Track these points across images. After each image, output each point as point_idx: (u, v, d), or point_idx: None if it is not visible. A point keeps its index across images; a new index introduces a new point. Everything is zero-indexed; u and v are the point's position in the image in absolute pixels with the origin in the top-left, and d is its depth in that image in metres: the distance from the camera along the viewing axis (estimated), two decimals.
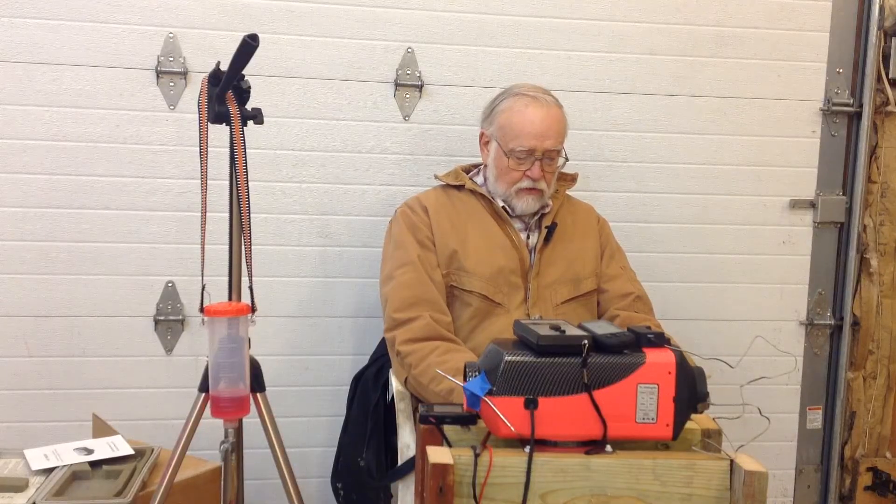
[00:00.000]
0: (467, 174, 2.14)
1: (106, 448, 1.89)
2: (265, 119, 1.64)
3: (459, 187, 2.10)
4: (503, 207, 2.05)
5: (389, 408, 2.00)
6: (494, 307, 1.98)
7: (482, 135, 2.10)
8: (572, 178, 2.19)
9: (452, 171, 2.16)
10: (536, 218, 2.09)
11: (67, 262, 2.29)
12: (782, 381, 2.54)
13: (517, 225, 2.07)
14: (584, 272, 2.07)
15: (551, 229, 2.06)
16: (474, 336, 1.97)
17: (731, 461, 1.34)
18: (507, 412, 1.31)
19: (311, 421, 2.45)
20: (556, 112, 2.02)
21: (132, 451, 1.88)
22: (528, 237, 2.07)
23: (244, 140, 1.60)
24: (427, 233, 2.02)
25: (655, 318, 2.09)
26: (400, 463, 1.87)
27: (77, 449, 1.89)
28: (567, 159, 2.08)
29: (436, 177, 2.16)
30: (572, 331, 1.38)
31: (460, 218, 2.05)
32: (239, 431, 1.66)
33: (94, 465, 1.91)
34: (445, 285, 2.00)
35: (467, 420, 1.41)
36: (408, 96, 2.39)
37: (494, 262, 2.00)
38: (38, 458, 1.86)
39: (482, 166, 2.14)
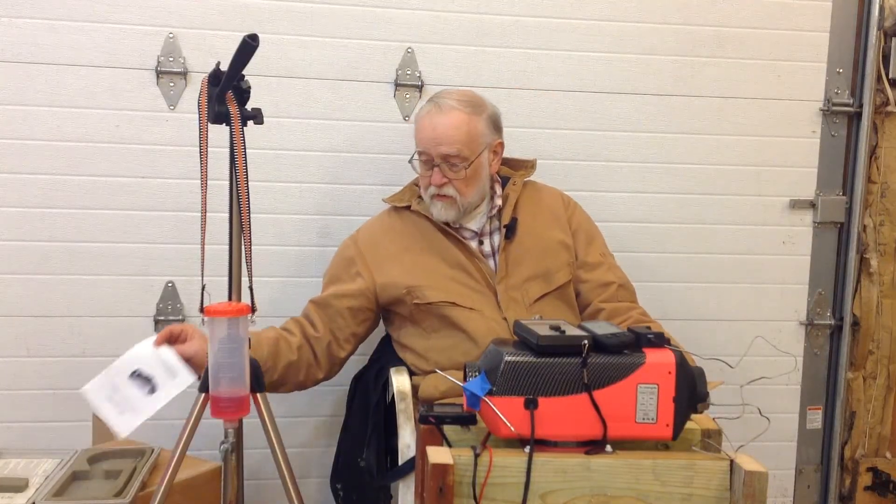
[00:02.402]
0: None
1: (162, 371, 1.79)
2: (265, 119, 1.64)
3: (408, 207, 2.10)
4: (446, 222, 2.03)
5: (389, 408, 2.00)
6: (467, 311, 1.97)
7: None
8: (531, 165, 2.17)
9: (405, 189, 2.15)
10: (491, 220, 2.06)
11: (67, 262, 2.29)
12: (782, 381, 2.54)
13: (466, 235, 2.05)
14: (554, 264, 2.04)
15: (511, 226, 2.04)
16: (456, 342, 1.96)
17: (731, 461, 1.34)
18: (507, 412, 1.31)
19: (311, 421, 2.45)
20: (456, 118, 1.97)
21: (188, 373, 1.78)
22: (481, 243, 2.05)
23: (244, 140, 1.60)
24: (359, 268, 2.03)
25: (639, 307, 2.07)
26: (400, 463, 1.87)
27: (133, 376, 1.77)
28: (497, 144, 2.05)
29: (383, 200, 2.16)
30: (572, 331, 1.38)
31: (413, 240, 2.05)
32: (239, 431, 1.66)
33: (94, 464, 1.91)
34: (409, 304, 1.99)
35: (467, 420, 1.41)
36: (408, 96, 2.39)
37: (453, 278, 1.99)
38: (98, 389, 1.75)
39: None
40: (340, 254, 2.11)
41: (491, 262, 2.03)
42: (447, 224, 2.04)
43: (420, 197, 2.09)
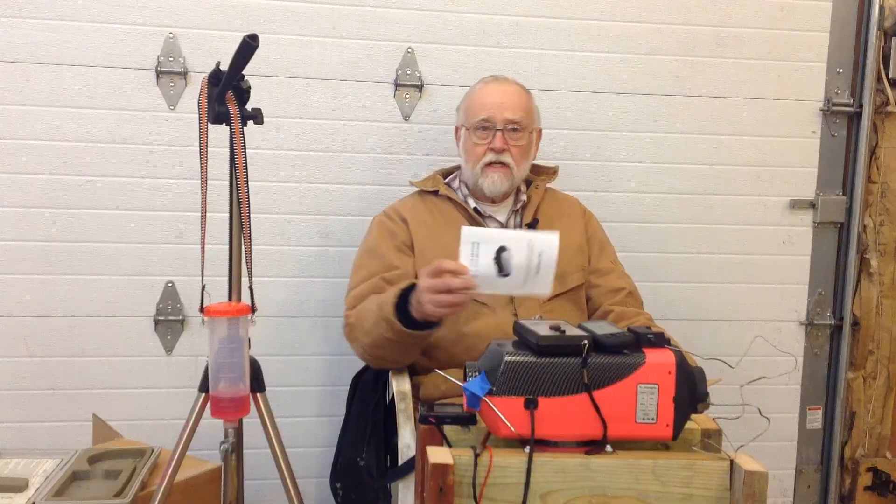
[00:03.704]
0: (448, 176, 2.16)
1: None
2: (265, 119, 1.64)
3: (435, 193, 2.10)
4: (475, 209, 2.06)
5: (389, 408, 2.00)
6: (479, 307, 1.97)
7: (456, 131, 2.13)
8: (553, 172, 2.20)
9: (430, 176, 2.17)
10: (515, 214, 2.09)
11: (67, 262, 2.29)
12: (782, 381, 2.54)
13: (492, 226, 2.07)
14: (569, 267, 2.05)
15: (532, 226, 2.06)
16: (463, 338, 1.96)
17: (731, 461, 1.34)
18: (507, 412, 1.31)
19: (311, 421, 2.45)
20: (517, 88, 2.08)
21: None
22: None
23: (244, 140, 1.60)
24: (405, 238, 2.03)
25: (647, 313, 2.09)
26: (400, 463, 1.87)
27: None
28: (538, 131, 2.10)
29: (411, 183, 2.16)
30: (572, 331, 1.38)
31: (437, 224, 2.06)
32: (239, 431, 1.66)
33: (94, 464, 1.91)
34: None
35: (467, 420, 1.41)
36: (408, 96, 2.39)
37: None
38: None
39: (460, 169, 2.15)
40: (379, 231, 2.07)
41: None
42: (477, 212, 2.06)
43: (447, 185, 2.12)
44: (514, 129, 2.02)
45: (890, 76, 2.55)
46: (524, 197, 2.11)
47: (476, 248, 1.65)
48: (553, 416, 1.32)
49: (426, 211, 2.09)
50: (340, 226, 2.39)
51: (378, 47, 2.36)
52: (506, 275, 1.65)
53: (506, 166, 2.02)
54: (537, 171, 2.20)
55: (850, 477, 2.70)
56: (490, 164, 2.01)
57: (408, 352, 1.87)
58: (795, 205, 2.59)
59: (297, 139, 2.36)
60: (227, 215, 1.65)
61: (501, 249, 1.65)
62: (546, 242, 1.66)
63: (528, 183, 2.16)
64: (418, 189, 2.15)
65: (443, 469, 1.28)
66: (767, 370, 1.91)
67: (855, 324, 2.65)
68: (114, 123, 2.28)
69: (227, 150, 1.61)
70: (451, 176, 2.17)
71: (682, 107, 2.52)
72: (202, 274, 1.62)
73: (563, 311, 2.00)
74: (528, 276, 1.65)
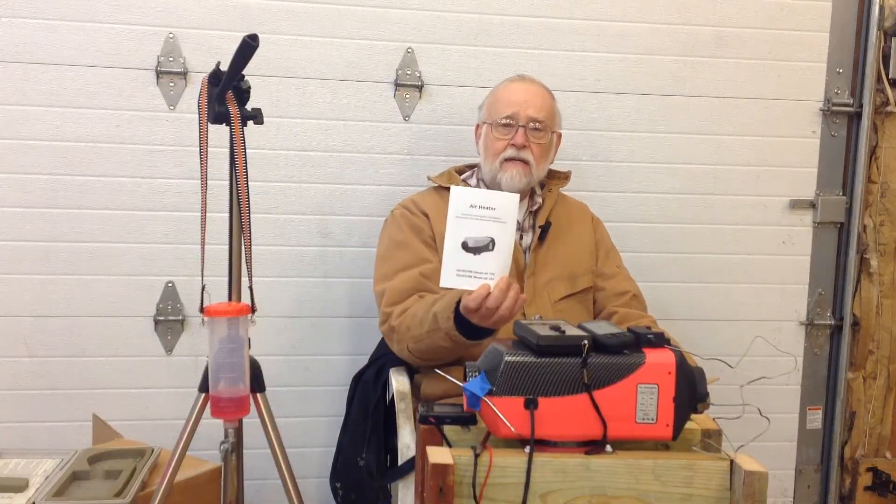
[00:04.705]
0: (461, 174, 2.16)
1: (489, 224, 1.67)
2: (265, 119, 1.64)
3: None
4: None
5: (389, 408, 2.00)
6: None
7: (477, 128, 2.14)
8: (566, 177, 2.21)
9: (445, 172, 2.17)
10: (530, 216, 2.10)
11: (67, 262, 2.29)
12: (782, 381, 2.54)
13: None
14: (579, 269, 2.08)
15: (546, 229, 2.07)
16: None
17: (731, 461, 1.34)
18: (507, 412, 1.31)
19: (311, 421, 2.45)
20: (543, 89, 2.10)
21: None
22: (521, 237, 2.07)
23: (244, 140, 1.60)
24: (430, 233, 2.04)
25: (650, 315, 2.10)
26: (400, 463, 1.87)
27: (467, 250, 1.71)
28: (558, 135, 2.11)
29: (429, 178, 2.17)
30: (572, 331, 1.38)
31: None
32: (239, 431, 1.66)
33: (94, 464, 1.91)
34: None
35: (467, 420, 1.41)
36: (408, 96, 2.39)
37: None
38: None
39: (476, 168, 2.15)
40: (404, 224, 2.06)
41: (522, 257, 2.05)
42: None
43: (464, 182, 2.12)
44: (536, 128, 2.03)
45: (890, 76, 2.55)
46: (539, 199, 2.11)
47: (467, 272, 1.67)
48: (553, 416, 1.32)
49: (444, 206, 2.08)
50: (340, 226, 2.39)
51: (378, 47, 2.36)
52: (492, 242, 1.68)
53: (525, 164, 2.02)
54: (550, 175, 2.21)
55: (850, 477, 2.70)
56: (509, 159, 2.02)
57: (459, 354, 1.85)
58: (795, 205, 2.59)
59: (297, 139, 2.36)
60: (227, 215, 1.65)
61: (465, 246, 1.67)
62: (456, 199, 1.68)
63: (542, 186, 2.16)
64: (435, 185, 2.15)
65: (443, 469, 1.28)
66: (767, 370, 1.91)
67: (855, 324, 2.65)
68: (114, 123, 2.28)
69: (227, 150, 1.61)
70: (465, 174, 2.17)
71: (682, 107, 2.52)
72: (202, 274, 1.62)
73: (573, 312, 2.01)
74: (491, 218, 1.68)
